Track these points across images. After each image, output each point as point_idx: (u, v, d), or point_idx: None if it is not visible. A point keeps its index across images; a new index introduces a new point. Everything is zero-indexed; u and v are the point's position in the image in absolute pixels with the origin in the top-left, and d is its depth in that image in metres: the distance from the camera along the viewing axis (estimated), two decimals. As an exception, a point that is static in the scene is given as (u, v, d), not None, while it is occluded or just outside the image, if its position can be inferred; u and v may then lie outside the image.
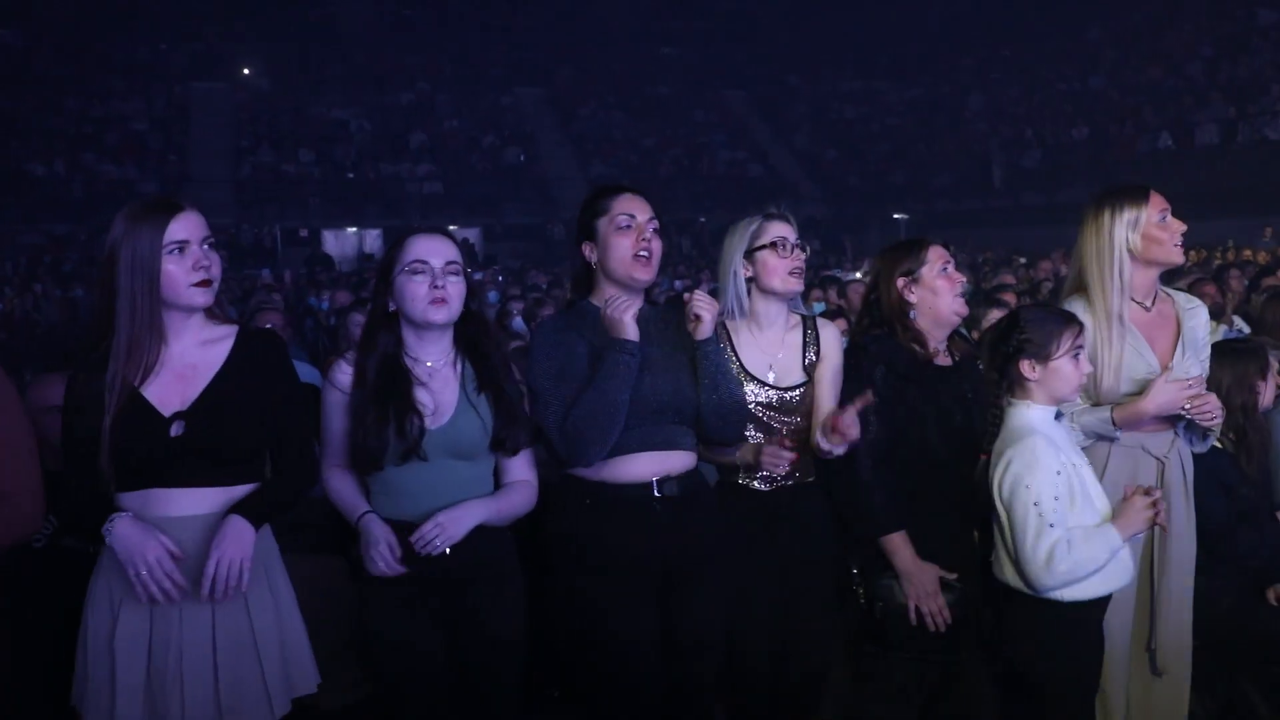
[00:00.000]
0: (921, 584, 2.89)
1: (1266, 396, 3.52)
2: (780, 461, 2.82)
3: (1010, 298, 6.24)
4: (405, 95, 30.56)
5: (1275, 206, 17.38)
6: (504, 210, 26.31)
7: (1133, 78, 24.27)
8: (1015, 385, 2.72)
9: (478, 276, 13.85)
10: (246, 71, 30.64)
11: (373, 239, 25.61)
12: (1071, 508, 2.61)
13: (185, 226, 2.30)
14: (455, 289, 2.50)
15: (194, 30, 31.14)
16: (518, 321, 7.45)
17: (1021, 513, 2.61)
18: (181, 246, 2.29)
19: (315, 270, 18.95)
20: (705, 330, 2.70)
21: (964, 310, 3.05)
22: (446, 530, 2.42)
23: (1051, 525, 2.57)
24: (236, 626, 2.33)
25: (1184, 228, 3.04)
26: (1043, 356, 2.67)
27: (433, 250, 2.50)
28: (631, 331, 2.58)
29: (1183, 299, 3.17)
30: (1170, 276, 8.15)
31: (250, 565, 2.28)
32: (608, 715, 2.67)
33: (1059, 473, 2.60)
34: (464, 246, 24.59)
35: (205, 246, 2.32)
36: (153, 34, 30.88)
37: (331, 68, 30.93)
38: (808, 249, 3.05)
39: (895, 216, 24.71)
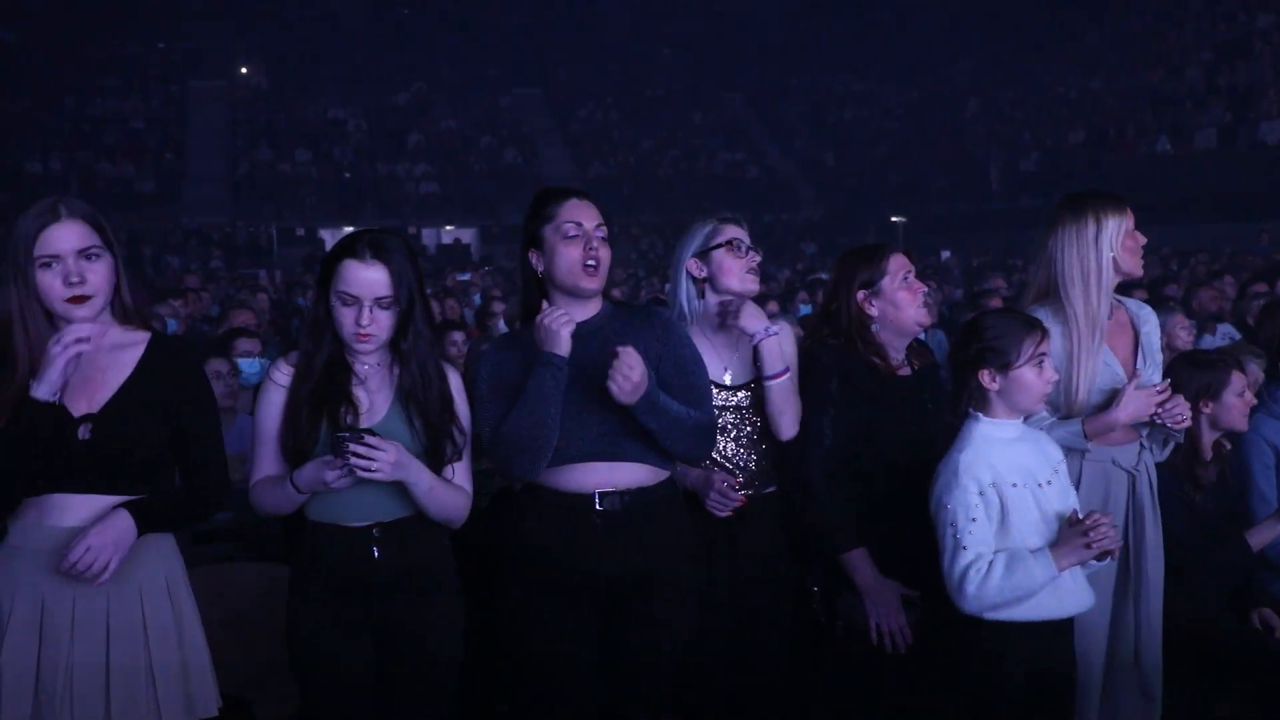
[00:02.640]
0: (883, 602, 2.82)
1: (1235, 415, 3.42)
2: (725, 507, 2.74)
3: (996, 303, 6.18)
4: (403, 95, 30.57)
5: (1273, 211, 17.34)
6: (501, 211, 26.25)
7: (1131, 81, 24.24)
8: (975, 396, 2.61)
9: (464, 278, 13.74)
10: (244, 70, 30.66)
11: (369, 239, 25.51)
12: (1005, 530, 2.53)
13: (57, 239, 2.22)
14: (383, 323, 2.40)
15: (192, 29, 31.19)
16: (500, 324, 7.39)
17: (941, 531, 2.55)
18: (52, 260, 2.22)
19: (312, 269, 18.89)
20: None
21: (926, 320, 2.98)
22: (391, 457, 2.28)
23: (964, 547, 2.50)
24: (132, 650, 2.27)
25: (1145, 240, 2.98)
26: (1003, 365, 2.55)
27: (364, 284, 2.38)
28: (564, 346, 2.48)
29: (1134, 305, 3.10)
30: (1158, 282, 8.14)
31: (118, 562, 2.21)
32: None
33: (981, 493, 2.51)
34: (457, 247, 24.80)
35: (85, 258, 2.24)
36: (151, 32, 30.93)
37: (329, 67, 30.95)
38: (761, 253, 2.98)
39: (893, 219, 24.68)
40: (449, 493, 2.48)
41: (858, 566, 2.83)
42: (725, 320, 2.87)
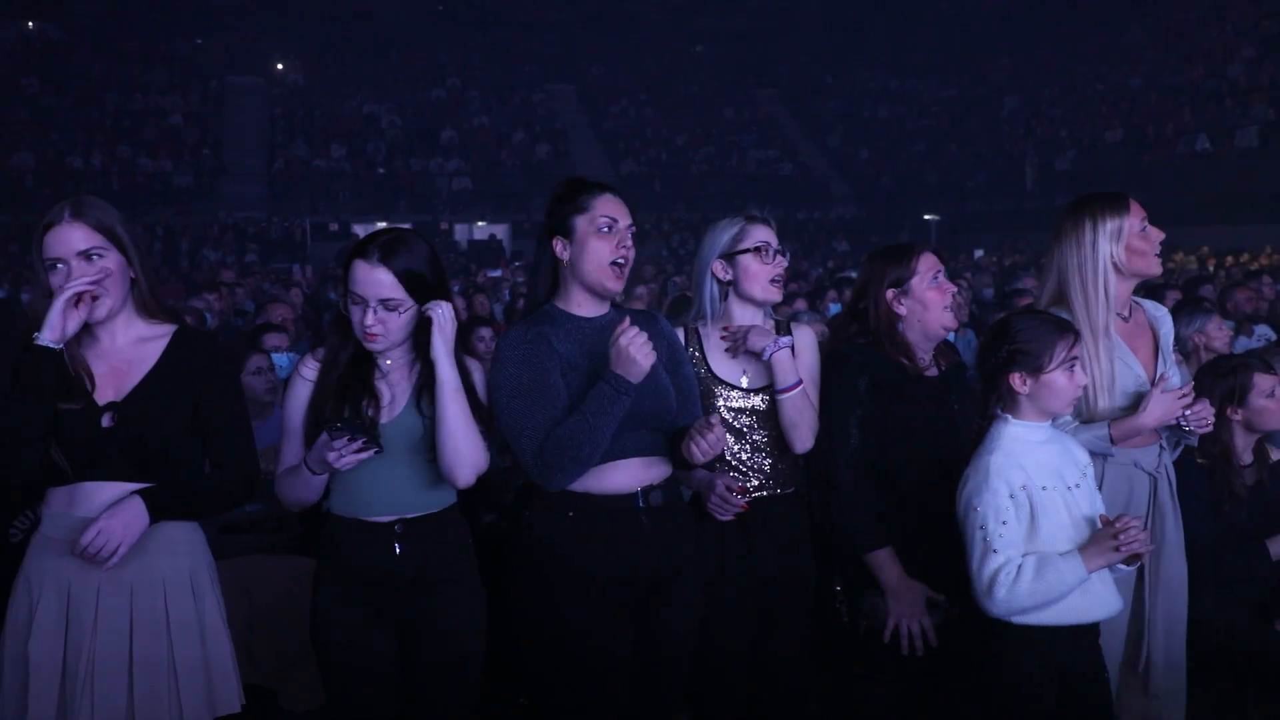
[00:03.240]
0: (907, 602, 2.80)
1: (1266, 417, 3.39)
2: (727, 511, 2.71)
3: (1026, 302, 6.10)
4: (437, 91, 30.70)
5: (1316, 212, 17.06)
6: (533, 206, 26.28)
7: (1172, 79, 23.91)
8: (1004, 398, 2.58)
9: (495, 274, 13.78)
10: (280, 66, 30.91)
11: (402, 234, 25.70)
12: (1034, 533, 2.49)
13: (58, 243, 2.29)
14: (390, 324, 2.42)
15: (230, 25, 31.49)
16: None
17: (970, 534, 2.51)
18: (55, 263, 2.29)
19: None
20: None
21: (953, 323, 2.95)
22: (443, 317, 2.37)
23: (995, 550, 2.46)
24: (155, 644, 2.31)
25: (1163, 236, 2.94)
26: (1034, 369, 2.52)
27: (369, 285, 2.40)
28: (640, 375, 2.44)
29: (1151, 306, 3.08)
30: (1194, 283, 8.03)
31: (128, 547, 2.25)
32: None
33: (1012, 496, 2.48)
34: (490, 243, 24.86)
35: (86, 259, 2.29)
36: (190, 28, 31.28)
37: (364, 63, 31.15)
38: (788, 254, 2.97)
39: (926, 217, 24.51)
40: (472, 424, 2.45)
41: (884, 566, 2.81)
42: (735, 354, 2.87)
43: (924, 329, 2.90)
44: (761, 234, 2.91)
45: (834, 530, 2.88)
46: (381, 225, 25.60)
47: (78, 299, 2.27)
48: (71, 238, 2.28)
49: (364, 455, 2.31)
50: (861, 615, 2.88)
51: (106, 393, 2.33)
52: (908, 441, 2.86)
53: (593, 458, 2.48)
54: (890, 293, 2.90)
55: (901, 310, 2.90)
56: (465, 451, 2.44)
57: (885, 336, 2.90)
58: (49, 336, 2.24)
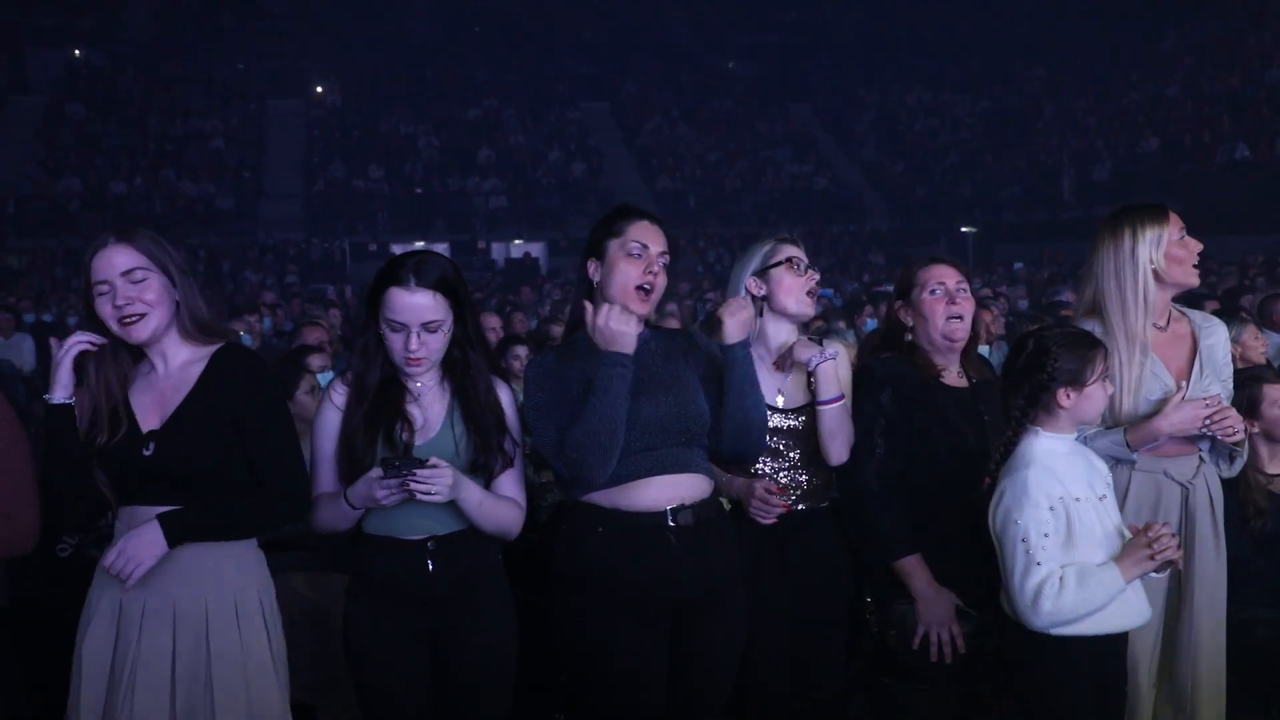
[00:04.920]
0: (936, 610, 2.82)
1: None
2: (769, 513, 2.77)
3: (1068, 315, 6.06)
4: (473, 111, 30.96)
5: (1360, 219, 16.78)
6: (569, 224, 26.44)
7: (1209, 87, 23.62)
8: (1042, 413, 2.60)
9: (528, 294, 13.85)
10: (319, 89, 31.31)
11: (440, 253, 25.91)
12: (1070, 545, 2.51)
13: (104, 265, 2.34)
14: (433, 345, 2.48)
15: (270, 49, 31.99)
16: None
17: (1010, 548, 2.53)
18: (104, 286, 2.34)
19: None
20: (733, 334, 2.67)
21: (955, 334, 2.97)
22: (446, 480, 2.36)
23: (1039, 563, 2.48)
24: (195, 673, 2.34)
25: (1200, 247, 2.95)
26: (1079, 383, 2.56)
27: (410, 310, 2.44)
28: (629, 343, 2.51)
29: (1199, 317, 3.07)
30: (1234, 293, 7.93)
31: (143, 570, 2.28)
32: None
33: (1051, 508, 2.50)
34: (526, 261, 25.00)
35: (132, 279, 2.34)
36: (231, 54, 31.82)
37: (401, 84, 31.48)
38: (819, 271, 3.02)
39: (963, 230, 24.35)
40: (499, 506, 2.53)
41: (913, 573, 2.84)
42: (783, 365, 2.92)
43: (927, 339, 2.97)
44: (792, 250, 2.98)
45: (863, 538, 2.92)
46: (420, 245, 25.93)
47: (82, 353, 2.34)
48: (116, 260, 2.34)
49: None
50: (890, 624, 2.91)
51: (151, 420, 2.37)
52: (933, 449, 2.90)
53: (610, 442, 2.50)
54: (898, 304, 3.01)
55: (907, 320, 2.98)
56: (505, 525, 2.58)
57: (898, 345, 3.01)
58: (58, 395, 2.33)
